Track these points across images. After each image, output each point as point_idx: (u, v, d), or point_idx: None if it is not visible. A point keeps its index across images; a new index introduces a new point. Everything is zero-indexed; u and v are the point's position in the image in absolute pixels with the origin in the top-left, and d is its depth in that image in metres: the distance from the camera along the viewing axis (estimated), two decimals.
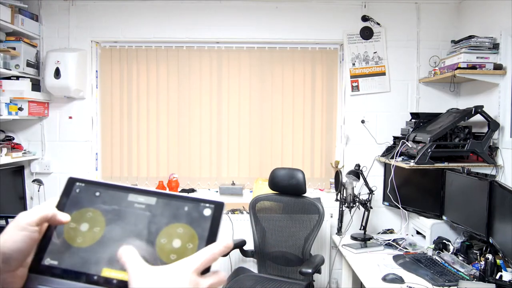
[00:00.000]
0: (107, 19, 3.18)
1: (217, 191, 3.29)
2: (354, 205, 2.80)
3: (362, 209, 2.82)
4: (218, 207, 0.50)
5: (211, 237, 0.49)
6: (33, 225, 0.46)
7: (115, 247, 0.47)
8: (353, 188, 2.80)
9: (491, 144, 2.64)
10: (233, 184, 3.31)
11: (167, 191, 0.53)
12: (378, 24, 3.18)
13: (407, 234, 2.96)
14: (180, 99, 3.33)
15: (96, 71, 3.29)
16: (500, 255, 2.06)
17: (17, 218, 0.47)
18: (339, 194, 2.83)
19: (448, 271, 2.18)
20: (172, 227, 0.49)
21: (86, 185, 0.52)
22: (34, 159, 3.17)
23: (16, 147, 3.03)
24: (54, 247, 0.48)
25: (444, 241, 2.48)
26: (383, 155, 3.11)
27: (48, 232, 0.49)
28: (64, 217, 0.49)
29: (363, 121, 3.21)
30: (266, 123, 3.35)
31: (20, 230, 0.46)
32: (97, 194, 0.51)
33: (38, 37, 3.14)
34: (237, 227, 3.12)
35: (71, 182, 0.52)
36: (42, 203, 0.50)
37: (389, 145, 3.14)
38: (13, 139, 3.13)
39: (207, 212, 0.50)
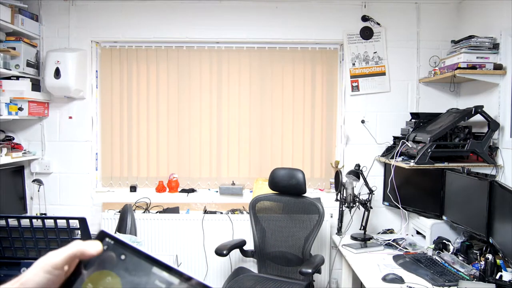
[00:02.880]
0: (107, 19, 3.18)
1: (217, 191, 3.29)
2: (354, 205, 2.79)
3: (362, 209, 2.82)
4: None
5: None
6: (59, 268, 0.45)
7: None
8: (353, 188, 2.80)
9: (491, 144, 2.64)
10: (233, 184, 3.30)
11: (192, 275, 0.48)
12: (378, 24, 3.18)
13: (407, 234, 2.96)
14: (180, 99, 3.33)
15: (96, 71, 3.29)
16: (500, 255, 2.06)
17: (45, 258, 0.46)
18: (339, 194, 2.83)
19: (448, 271, 2.18)
20: None
21: (115, 244, 0.49)
22: (34, 159, 3.17)
23: (16, 147, 3.03)
24: None
25: (444, 241, 2.48)
26: (383, 155, 3.11)
27: (78, 269, 0.47)
28: (93, 248, 0.47)
29: (363, 121, 3.21)
30: (266, 123, 3.34)
31: (45, 273, 0.45)
32: (123, 257, 0.48)
33: (38, 37, 3.14)
34: (237, 227, 3.12)
35: (102, 236, 0.49)
36: (71, 243, 0.48)
37: (389, 145, 3.14)
38: (13, 139, 3.13)
39: None
